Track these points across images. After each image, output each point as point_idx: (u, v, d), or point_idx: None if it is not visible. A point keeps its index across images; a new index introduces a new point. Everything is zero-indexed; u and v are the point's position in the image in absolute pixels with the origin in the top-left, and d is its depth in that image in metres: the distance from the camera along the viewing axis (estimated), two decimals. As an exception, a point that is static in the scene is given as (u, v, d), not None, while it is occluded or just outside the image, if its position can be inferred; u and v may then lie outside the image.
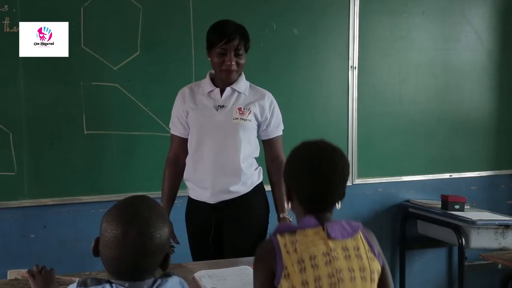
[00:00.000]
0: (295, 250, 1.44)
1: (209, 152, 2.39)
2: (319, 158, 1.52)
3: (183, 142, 2.49)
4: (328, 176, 1.50)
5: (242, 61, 2.40)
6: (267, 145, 2.52)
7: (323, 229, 1.48)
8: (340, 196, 1.54)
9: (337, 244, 1.47)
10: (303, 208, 1.54)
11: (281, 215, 2.44)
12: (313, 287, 1.42)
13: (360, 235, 1.51)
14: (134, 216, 1.30)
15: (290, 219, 2.42)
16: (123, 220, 1.29)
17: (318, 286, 1.42)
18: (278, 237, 1.47)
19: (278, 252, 1.44)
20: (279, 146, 2.52)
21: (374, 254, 1.50)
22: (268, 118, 2.47)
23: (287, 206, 2.41)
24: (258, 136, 2.51)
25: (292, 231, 1.48)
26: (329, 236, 1.47)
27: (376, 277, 1.49)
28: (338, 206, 1.59)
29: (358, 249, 1.48)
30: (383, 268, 1.52)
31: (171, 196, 2.52)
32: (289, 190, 1.57)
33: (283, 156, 2.50)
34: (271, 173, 2.51)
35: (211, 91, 2.44)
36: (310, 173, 1.51)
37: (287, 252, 1.44)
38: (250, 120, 2.41)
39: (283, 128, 2.54)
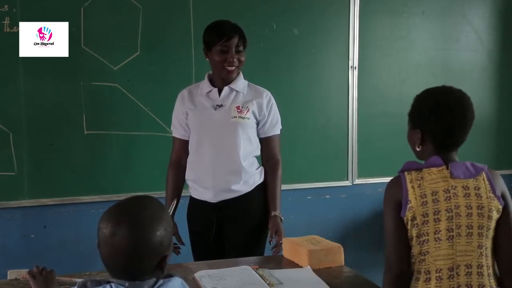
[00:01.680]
0: (419, 185, 1.63)
1: (209, 152, 2.40)
2: (450, 101, 1.68)
3: (185, 144, 2.49)
4: (459, 118, 1.67)
5: (243, 58, 2.41)
6: (264, 144, 2.51)
7: (447, 168, 1.64)
8: (466, 136, 1.70)
9: (458, 182, 1.63)
10: (434, 148, 1.68)
11: (272, 213, 2.44)
12: (432, 219, 1.61)
13: (483, 176, 1.66)
14: (124, 218, 1.27)
15: (282, 218, 2.43)
16: (113, 221, 1.27)
17: (436, 218, 1.61)
18: (406, 174, 1.67)
19: (404, 187, 1.65)
20: (276, 146, 2.52)
21: (495, 194, 1.63)
22: (266, 116, 2.47)
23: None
24: (258, 135, 2.51)
25: (418, 169, 1.66)
26: (451, 175, 1.63)
27: (494, 215, 1.63)
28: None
29: (478, 188, 1.64)
30: (504, 208, 1.64)
31: (176, 198, 2.52)
32: (422, 133, 1.69)
33: (279, 156, 2.51)
34: (265, 172, 2.50)
35: (210, 91, 2.44)
36: (444, 115, 1.65)
37: (412, 187, 1.64)
38: (248, 118, 2.41)
39: (281, 128, 2.53)
